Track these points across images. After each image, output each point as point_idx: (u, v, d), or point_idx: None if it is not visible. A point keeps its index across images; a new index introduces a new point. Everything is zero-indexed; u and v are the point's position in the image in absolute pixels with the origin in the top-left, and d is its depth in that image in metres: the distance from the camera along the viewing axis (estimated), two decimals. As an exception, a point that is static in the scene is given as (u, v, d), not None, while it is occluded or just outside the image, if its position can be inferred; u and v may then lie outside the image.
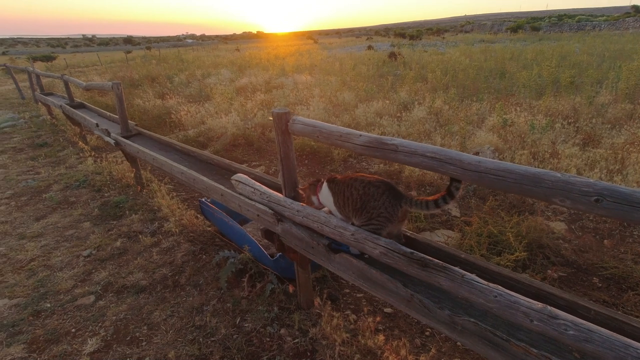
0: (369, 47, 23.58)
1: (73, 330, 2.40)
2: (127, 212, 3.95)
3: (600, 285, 2.61)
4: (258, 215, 2.13)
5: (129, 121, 4.40)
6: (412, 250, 1.45)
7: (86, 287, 2.81)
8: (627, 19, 32.60)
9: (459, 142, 4.77)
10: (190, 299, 2.63)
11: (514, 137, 4.82)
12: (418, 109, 6.49)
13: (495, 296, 1.20)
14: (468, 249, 2.80)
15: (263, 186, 2.16)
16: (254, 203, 2.13)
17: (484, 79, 8.87)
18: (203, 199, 3.31)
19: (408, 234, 1.79)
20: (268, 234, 2.13)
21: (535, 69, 9.09)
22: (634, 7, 37.10)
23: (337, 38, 59.02)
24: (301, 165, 5.16)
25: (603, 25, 32.78)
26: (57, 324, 2.45)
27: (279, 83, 10.86)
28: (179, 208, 3.80)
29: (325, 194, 1.85)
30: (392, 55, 15.25)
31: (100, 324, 2.44)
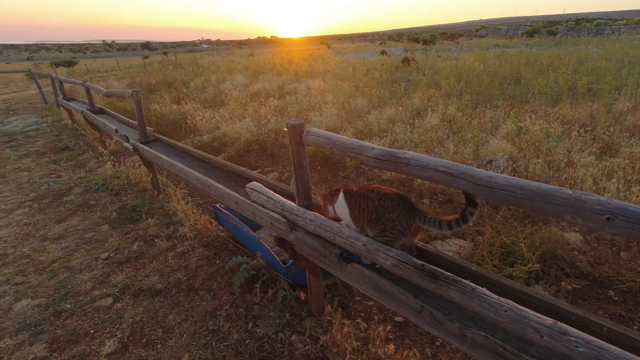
0: (382, 52, 23.60)
1: (92, 331, 2.48)
2: (143, 216, 4.06)
3: (616, 298, 2.56)
4: (271, 223, 2.17)
5: (147, 127, 4.52)
6: (423, 262, 1.47)
7: (104, 289, 2.90)
8: (648, 22, 31.77)
9: (472, 150, 4.74)
10: (204, 303, 2.69)
11: (529, 145, 4.76)
12: (431, 116, 6.47)
13: (506, 310, 1.21)
14: (480, 259, 2.78)
15: (277, 195, 2.21)
16: (267, 211, 2.18)
17: (498, 85, 8.78)
18: (217, 205, 3.38)
19: (419, 245, 1.81)
20: (281, 242, 2.18)
21: (552, 75, 8.96)
22: (656, 10, 36.10)
23: (350, 43, 59.25)
24: (313, 171, 5.20)
25: (623, 29, 32.05)
26: (77, 325, 2.54)
27: (292, 88, 10.97)
28: (193, 213, 3.88)
29: (341, 205, 1.88)
30: (406, 60, 15.23)
31: (117, 326, 2.51)
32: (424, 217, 1.59)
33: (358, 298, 2.69)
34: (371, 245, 1.63)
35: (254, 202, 2.34)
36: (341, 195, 1.91)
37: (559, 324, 1.12)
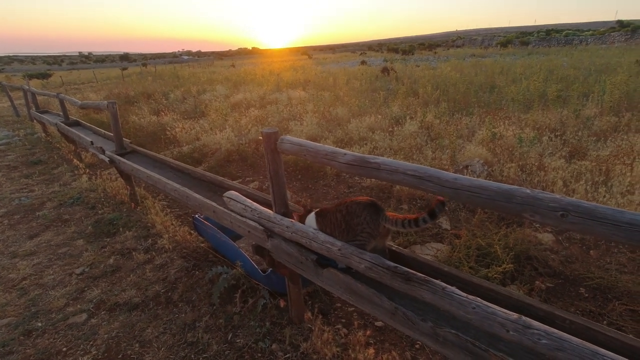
0: (363, 63, 24.04)
1: (64, 349, 2.40)
2: (120, 229, 3.97)
3: (586, 295, 2.66)
4: (249, 232, 2.17)
5: (124, 139, 4.45)
6: (395, 265, 1.50)
7: (78, 305, 2.81)
8: (612, 33, 33.57)
9: (450, 156, 4.86)
10: (183, 315, 2.64)
11: (503, 150, 4.93)
12: (410, 124, 6.61)
13: (474, 308, 1.25)
14: (457, 261, 2.85)
15: (254, 203, 2.22)
16: (245, 220, 2.18)
17: (474, 93, 9.06)
18: (196, 215, 3.35)
19: (393, 248, 1.84)
20: (259, 250, 2.17)
21: (524, 83, 9.33)
22: (619, 22, 38.23)
23: (331, 54, 60.07)
24: (295, 180, 5.22)
25: (590, 40, 33.70)
26: (48, 343, 2.45)
27: (273, 99, 11.01)
28: (172, 224, 3.82)
29: (309, 225, 1.90)
30: (385, 70, 15.56)
31: (91, 343, 2.44)
32: (386, 217, 1.63)
33: (339, 304, 2.70)
34: (346, 249, 1.65)
35: (232, 211, 2.34)
36: (312, 216, 1.91)
37: (523, 318, 1.16)
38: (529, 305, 1.42)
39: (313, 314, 2.49)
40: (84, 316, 2.69)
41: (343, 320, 2.53)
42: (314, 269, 1.80)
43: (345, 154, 1.63)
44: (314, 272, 1.81)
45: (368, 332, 2.28)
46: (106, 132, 5.17)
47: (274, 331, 2.40)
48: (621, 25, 36.40)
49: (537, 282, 2.76)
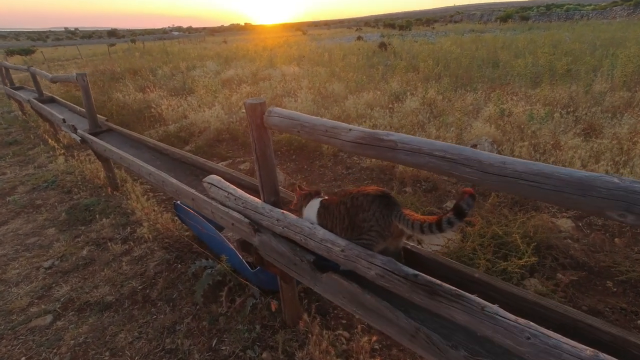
0: (359, 38, 23.19)
1: (23, 358, 2.08)
2: (97, 216, 3.60)
3: (615, 290, 2.37)
4: (233, 224, 1.83)
5: (99, 116, 4.02)
6: (416, 272, 1.16)
7: (43, 305, 2.48)
8: (614, 7, 32.69)
9: (456, 134, 4.51)
10: (162, 316, 2.33)
11: (512, 127, 4.57)
12: (410, 100, 6.20)
13: (529, 337, 0.92)
14: (471, 252, 2.54)
15: (238, 190, 1.86)
16: (227, 210, 1.83)
17: (477, 68, 8.61)
18: (178, 202, 2.98)
19: (409, 247, 1.51)
20: (245, 246, 1.84)
21: (528, 58, 8.87)
22: (621, -4, 37.20)
23: (326, 29, 58.31)
24: (288, 160, 4.85)
25: (591, 14, 32.82)
26: (5, 351, 2.13)
27: (266, 75, 10.47)
28: (154, 211, 3.46)
29: (310, 215, 1.55)
30: (382, 45, 14.93)
31: (55, 350, 2.12)
32: (399, 215, 1.28)
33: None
34: (351, 250, 1.31)
35: (213, 199, 1.98)
36: (314, 205, 1.56)
37: (601, 355, 0.84)
38: (589, 326, 1.10)
39: (310, 315, 2.18)
40: (49, 318, 2.37)
41: (344, 322, 2.23)
42: (311, 272, 1.47)
43: (350, 130, 1.26)
44: (311, 277, 1.48)
45: (374, 338, 1.98)
46: (82, 109, 4.71)
47: (265, 336, 2.10)
48: (624, -1, 35.43)
49: (559, 275, 2.47)
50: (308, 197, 1.61)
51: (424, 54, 11.34)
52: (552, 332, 0.92)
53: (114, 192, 4.03)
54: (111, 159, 3.61)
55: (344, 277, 1.36)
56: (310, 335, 2.00)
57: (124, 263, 2.88)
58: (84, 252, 3.07)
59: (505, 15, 36.22)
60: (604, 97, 5.69)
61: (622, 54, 7.15)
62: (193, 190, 2.10)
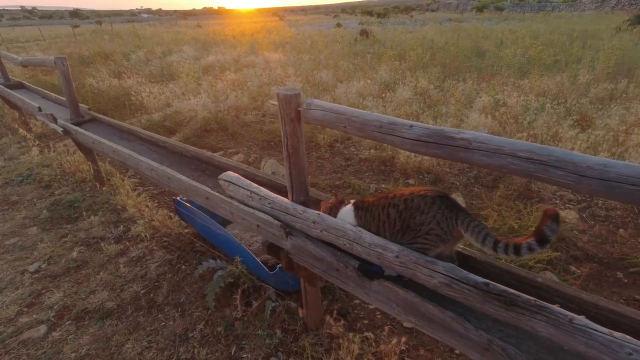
0: (338, 25, 22.86)
1: (19, 376, 1.88)
2: (84, 213, 3.34)
3: (626, 281, 2.42)
4: (258, 226, 1.69)
5: (81, 105, 3.70)
6: (486, 281, 1.08)
7: (35, 315, 2.26)
8: (583, 0, 33.80)
9: (454, 125, 4.48)
10: (171, 323, 2.17)
11: (508, 118, 4.59)
12: (403, 89, 6.13)
13: (630, 353, 0.86)
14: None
15: (263, 189, 1.72)
16: (252, 211, 1.69)
17: (463, 57, 8.64)
18: (178, 198, 2.79)
19: (459, 249, 1.43)
20: (272, 249, 1.70)
21: (512, 48, 9.00)
22: (589, -11, 38.45)
23: (303, 15, 57.25)
24: (281, 152, 4.68)
25: (562, 7, 33.81)
26: (-3, 369, 1.92)
27: (249, 61, 10.11)
28: (148, 207, 3.24)
29: (347, 220, 1.46)
30: (364, 33, 14.76)
31: (55, 366, 1.93)
32: (468, 223, 1.19)
33: (357, 301, 2.32)
34: (407, 257, 1.22)
35: (232, 197, 1.83)
36: (349, 208, 1.46)
37: None
38: (670, 333, 1.06)
39: (331, 315, 2.09)
40: (43, 329, 2.16)
41: (366, 322, 2.16)
42: (358, 280, 1.36)
43: (411, 126, 1.15)
44: (357, 284, 1.37)
45: (403, 339, 1.91)
46: (58, 96, 4.33)
47: (287, 341, 1.99)
48: (591, -8, 36.61)
49: (572, 268, 2.50)
50: (335, 208, 1.51)
51: (408, 42, 11.30)
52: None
53: (101, 187, 3.75)
54: (98, 153, 3.33)
55: (398, 285, 1.26)
56: (337, 338, 1.92)
57: (121, 265, 2.68)
58: (74, 253, 2.83)
59: (480, 5, 36.76)
60: (589, 88, 5.84)
61: (604, 46, 7.35)
62: (207, 188, 1.93)
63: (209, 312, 2.21)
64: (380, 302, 1.32)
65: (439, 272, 1.15)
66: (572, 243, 2.69)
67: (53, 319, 2.22)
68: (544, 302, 1.00)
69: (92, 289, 2.46)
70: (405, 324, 2.11)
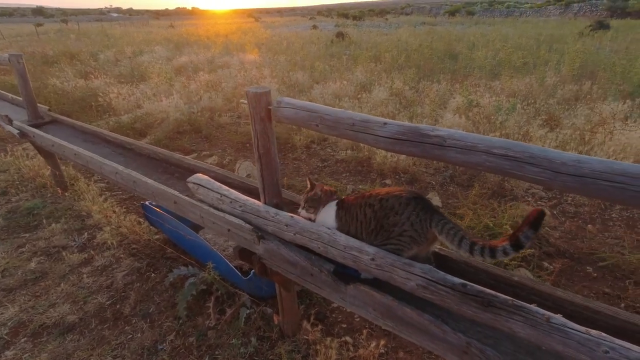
0: (314, 27, 22.91)
1: (-34, 401, 1.72)
2: (44, 220, 3.13)
3: (595, 275, 2.49)
4: (229, 230, 1.61)
5: (40, 105, 3.48)
6: (464, 282, 1.06)
7: (-14, 333, 2.08)
8: (548, 6, 35.40)
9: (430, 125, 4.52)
10: (139, 335, 2.05)
11: (482, 118, 4.69)
12: (379, 90, 6.17)
13: (607, 351, 0.85)
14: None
15: (233, 191, 1.64)
16: (222, 215, 1.60)
17: (437, 59, 8.81)
18: (147, 203, 2.65)
19: (436, 250, 1.40)
20: (244, 254, 1.63)
21: (483, 51, 9.25)
22: (553, -5, 40.31)
23: (279, 17, 57.06)
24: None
25: (529, 13, 35.29)
26: (-59, 396, 1.74)
27: (223, 62, 9.93)
28: (115, 212, 3.08)
29: (326, 216, 1.40)
30: (340, 35, 14.84)
31: (8, 388, 1.77)
32: (442, 225, 1.16)
33: (334, 304, 2.27)
34: (383, 259, 1.18)
35: (202, 201, 1.74)
36: (332, 207, 1.41)
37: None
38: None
39: (308, 320, 2.03)
40: (-4, 348, 1.99)
41: (344, 326, 2.11)
42: (333, 284, 1.31)
43: (385, 124, 1.11)
44: (333, 289, 1.32)
45: (382, 342, 1.88)
46: (15, 96, 4.07)
47: (263, 349, 1.91)
48: (556, -1, 38.43)
49: (545, 264, 2.54)
50: (327, 197, 1.45)
51: (384, 44, 11.43)
52: (629, 343, 0.86)
53: (64, 193, 3.54)
54: (59, 156, 3.14)
55: (375, 289, 1.22)
56: (313, 345, 1.86)
57: (84, 275, 2.52)
58: (32, 264, 2.64)
59: (452, 10, 37.83)
60: (556, 89, 6.06)
61: (568, 49, 7.67)
62: (175, 192, 1.83)
63: (180, 322, 2.10)
64: (356, 306, 1.28)
65: (416, 275, 1.12)
66: (544, 240, 2.75)
67: (6, 337, 2.05)
68: (521, 302, 0.98)
69: (51, 302, 2.29)
70: (382, 327, 2.07)
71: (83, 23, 34.46)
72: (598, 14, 28.94)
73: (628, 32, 13.82)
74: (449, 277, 1.08)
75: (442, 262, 1.37)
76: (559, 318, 0.93)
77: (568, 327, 0.90)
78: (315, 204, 1.43)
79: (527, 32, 15.39)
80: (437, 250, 1.40)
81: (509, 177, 0.93)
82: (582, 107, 4.98)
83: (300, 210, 1.47)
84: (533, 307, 0.97)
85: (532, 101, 5.30)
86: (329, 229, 1.36)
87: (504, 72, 6.66)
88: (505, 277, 1.26)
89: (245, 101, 1.41)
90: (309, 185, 1.49)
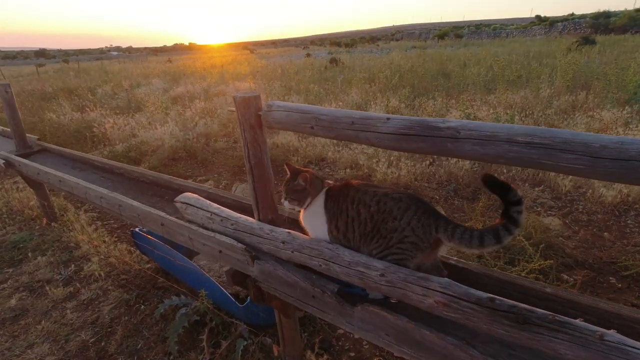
0: (308, 55, 23.49)
1: None
2: (29, 254, 2.96)
3: (620, 286, 2.31)
4: (220, 252, 1.45)
5: (29, 135, 3.39)
6: (491, 296, 0.90)
7: (-45, 381, 1.87)
8: (533, 27, 36.56)
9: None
10: (125, 376, 1.84)
11: (481, 131, 4.61)
12: (374, 109, 6.14)
13: (681, 374, 0.68)
14: (474, 260, 2.36)
15: (224, 209, 1.50)
16: (212, 235, 1.46)
17: (430, 78, 8.90)
18: (137, 229, 2.50)
19: (452, 261, 1.24)
20: (238, 278, 1.46)
21: (475, 68, 9.37)
22: (537, 17, 41.79)
23: (273, 48, 58.72)
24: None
25: (515, 33, 36.36)
26: None
27: (219, 91, 10.02)
28: (104, 242, 2.91)
29: (315, 213, 1.24)
30: (333, 61, 15.16)
31: None
32: (452, 228, 1.04)
33: (341, 330, 2.07)
34: (394, 274, 1.02)
35: (190, 222, 1.59)
36: (321, 197, 1.25)
37: None
38: None
39: (313, 351, 1.83)
40: (-36, 398, 1.77)
41: (352, 355, 1.91)
42: (338, 307, 1.14)
43: (388, 119, 0.99)
44: (338, 312, 1.16)
45: (395, 373, 1.68)
46: (4, 128, 3.99)
47: (264, 386, 1.71)
48: (540, 20, 39.80)
49: (564, 276, 2.36)
50: (315, 188, 1.27)
51: (378, 67, 11.60)
52: None
53: (51, 224, 3.38)
54: (46, 184, 3.01)
55: (386, 309, 1.06)
56: (320, 380, 1.66)
57: (68, 310, 2.32)
58: (13, 301, 2.45)
59: (442, 33, 39.03)
60: (552, 100, 6.05)
61: (560, 62, 7.74)
62: (162, 213, 1.69)
63: (171, 358, 1.90)
64: (366, 331, 1.11)
65: (434, 290, 0.96)
66: (560, 250, 2.58)
67: (-22, 385, 1.84)
68: (565, 317, 0.82)
69: (30, 341, 2.09)
70: (396, 354, 1.87)
71: (83, 62, 35.33)
72: (582, 31, 29.82)
73: (614, 45, 14.14)
74: (473, 291, 0.92)
75: (458, 274, 1.21)
76: (613, 334, 0.77)
77: (628, 345, 0.74)
78: (299, 196, 1.24)
79: (516, 50, 15.73)
80: (454, 262, 1.24)
81: (537, 169, 0.81)
82: (581, 116, 4.93)
83: (282, 200, 1.29)
84: (580, 322, 0.81)
85: (530, 112, 5.26)
86: (320, 225, 1.22)
87: (498, 86, 6.67)
88: (535, 288, 1.10)
89: (233, 108, 1.30)
90: (288, 173, 1.29)
